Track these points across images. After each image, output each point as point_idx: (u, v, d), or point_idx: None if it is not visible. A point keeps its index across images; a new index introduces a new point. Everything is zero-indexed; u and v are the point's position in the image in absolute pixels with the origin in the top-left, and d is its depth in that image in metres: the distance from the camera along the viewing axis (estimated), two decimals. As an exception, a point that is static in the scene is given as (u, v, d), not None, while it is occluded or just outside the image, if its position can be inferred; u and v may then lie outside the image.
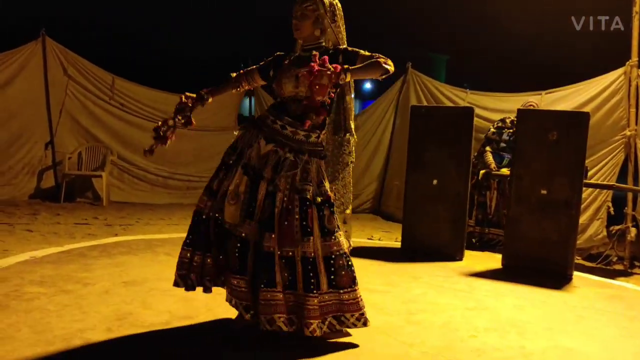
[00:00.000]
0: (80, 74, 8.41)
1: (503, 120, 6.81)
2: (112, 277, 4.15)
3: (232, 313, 3.37)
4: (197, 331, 3.21)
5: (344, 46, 3.22)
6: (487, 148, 6.81)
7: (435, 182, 5.75)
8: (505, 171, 6.43)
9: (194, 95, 3.28)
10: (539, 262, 5.20)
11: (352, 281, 3.08)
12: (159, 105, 8.87)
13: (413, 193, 5.89)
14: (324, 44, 3.21)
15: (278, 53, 3.33)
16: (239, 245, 2.98)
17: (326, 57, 2.74)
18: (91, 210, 7.62)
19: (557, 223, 5.16)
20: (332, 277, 3.02)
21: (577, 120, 5.21)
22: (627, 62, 6.52)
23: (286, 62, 3.22)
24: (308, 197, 2.99)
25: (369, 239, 6.84)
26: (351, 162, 3.45)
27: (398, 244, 6.13)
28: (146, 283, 4.04)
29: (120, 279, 4.13)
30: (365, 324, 3.11)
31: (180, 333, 3.16)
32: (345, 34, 3.35)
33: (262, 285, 2.91)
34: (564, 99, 7.20)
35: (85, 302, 3.54)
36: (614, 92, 6.73)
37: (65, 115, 8.34)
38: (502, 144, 6.71)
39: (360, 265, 5.04)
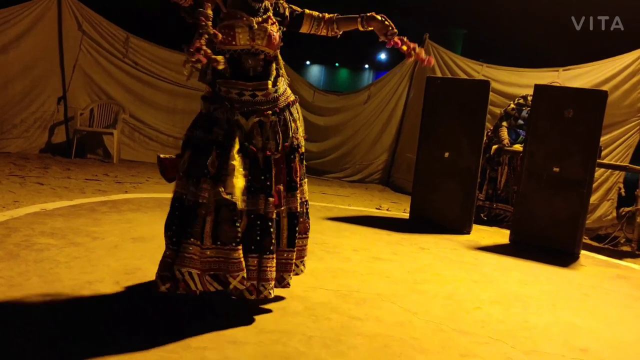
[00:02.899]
0: (94, 29, 8.36)
1: (525, 98, 6.65)
2: (121, 233, 4.18)
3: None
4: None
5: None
6: (504, 123, 6.70)
7: (447, 154, 5.71)
8: (518, 147, 6.38)
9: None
10: (547, 240, 5.19)
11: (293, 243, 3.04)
12: (173, 66, 8.83)
13: (424, 165, 5.87)
14: None
15: None
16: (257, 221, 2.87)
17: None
18: (101, 167, 7.65)
19: (567, 201, 5.13)
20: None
21: (594, 98, 5.13)
22: (648, 43, 6.43)
23: (235, 3, 2.91)
24: (295, 151, 3.01)
25: (377, 208, 6.85)
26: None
27: (406, 215, 6.13)
28: (155, 240, 4.06)
29: (129, 234, 4.16)
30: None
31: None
32: None
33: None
34: (582, 76, 7.12)
35: (94, 255, 3.58)
36: (633, 72, 6.65)
37: (79, 71, 8.32)
38: (520, 121, 6.63)
39: (367, 234, 5.10)
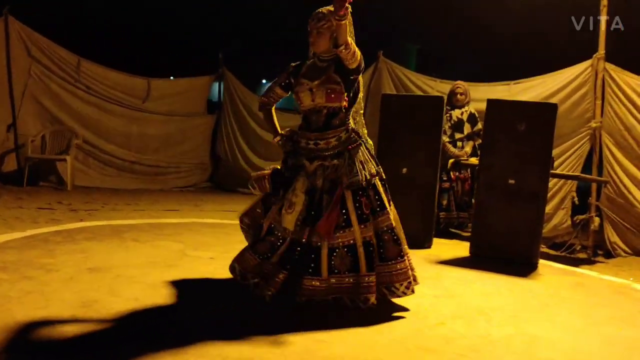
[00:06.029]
0: (44, 55, 8.20)
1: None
2: (76, 263, 4.06)
3: (202, 301, 3.37)
4: (164, 318, 3.18)
5: None
6: (445, 138, 6.67)
7: (404, 170, 5.76)
8: (473, 160, 6.47)
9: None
10: (506, 251, 5.26)
11: (399, 253, 3.49)
12: (127, 89, 8.74)
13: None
14: None
15: (293, 64, 3.62)
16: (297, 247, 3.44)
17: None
18: (55, 194, 7.46)
19: (524, 212, 5.22)
20: (381, 250, 3.46)
21: (545, 111, 5.27)
22: (594, 55, 6.60)
23: (302, 72, 3.54)
24: (360, 185, 3.44)
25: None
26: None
27: (367, 232, 6.13)
28: (112, 270, 3.97)
29: (85, 265, 4.05)
30: (412, 292, 3.58)
31: (147, 320, 3.11)
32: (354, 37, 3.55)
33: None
34: (532, 89, 7.27)
35: (48, 289, 3.46)
36: (581, 84, 6.81)
37: (29, 98, 8.13)
38: (452, 122, 6.81)
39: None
